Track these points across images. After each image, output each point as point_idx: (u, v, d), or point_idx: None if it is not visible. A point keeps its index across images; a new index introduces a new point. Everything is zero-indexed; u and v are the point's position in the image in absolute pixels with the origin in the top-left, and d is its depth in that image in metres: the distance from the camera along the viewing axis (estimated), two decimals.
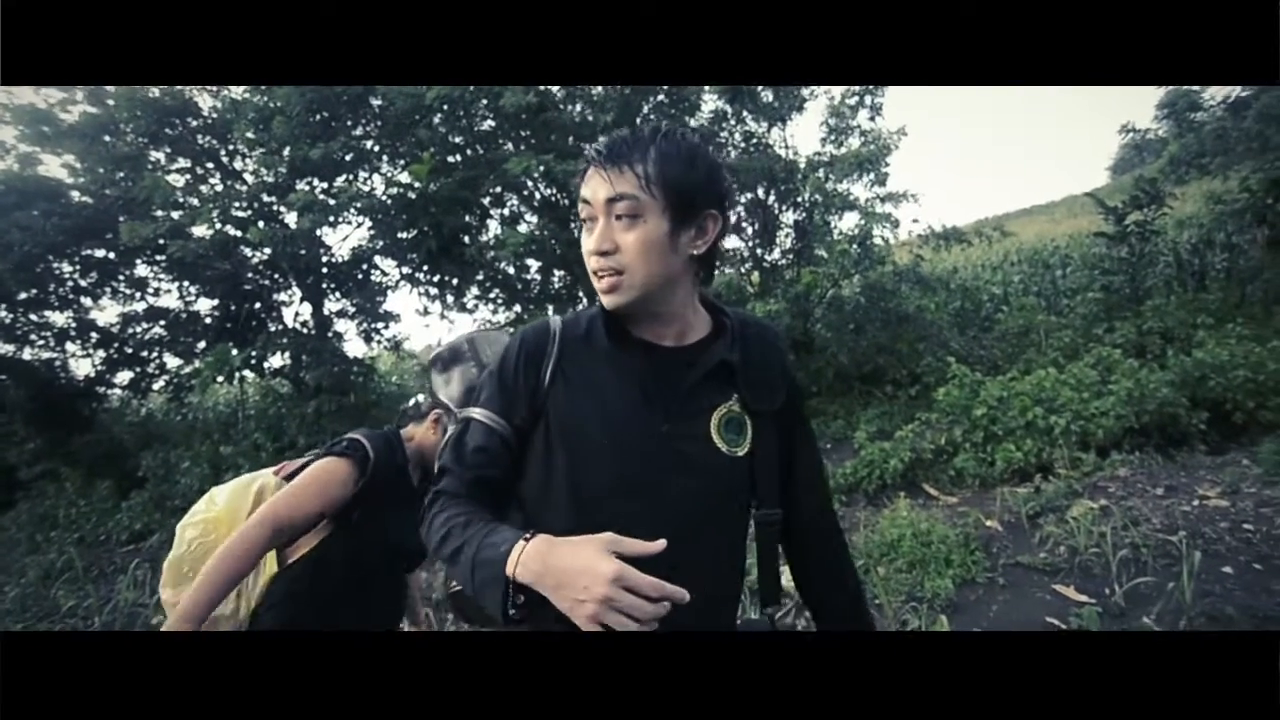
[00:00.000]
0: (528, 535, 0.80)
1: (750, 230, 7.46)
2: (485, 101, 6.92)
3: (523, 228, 7.50)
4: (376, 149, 7.54)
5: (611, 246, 0.89)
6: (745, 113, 6.95)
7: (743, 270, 6.86)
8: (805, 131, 12.24)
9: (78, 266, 7.61)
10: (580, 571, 0.74)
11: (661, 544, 0.78)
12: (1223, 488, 3.87)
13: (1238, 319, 5.82)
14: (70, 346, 8.03)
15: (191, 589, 1.26)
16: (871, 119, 6.61)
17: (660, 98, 7.37)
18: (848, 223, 6.92)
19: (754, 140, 7.22)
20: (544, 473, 0.92)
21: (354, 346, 8.64)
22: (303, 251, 6.94)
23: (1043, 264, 10.87)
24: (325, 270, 7.98)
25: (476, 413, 0.96)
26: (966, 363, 5.90)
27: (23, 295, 7.37)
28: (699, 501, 0.92)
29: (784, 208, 7.26)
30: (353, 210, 6.99)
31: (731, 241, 7.62)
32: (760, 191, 7.06)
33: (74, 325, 7.96)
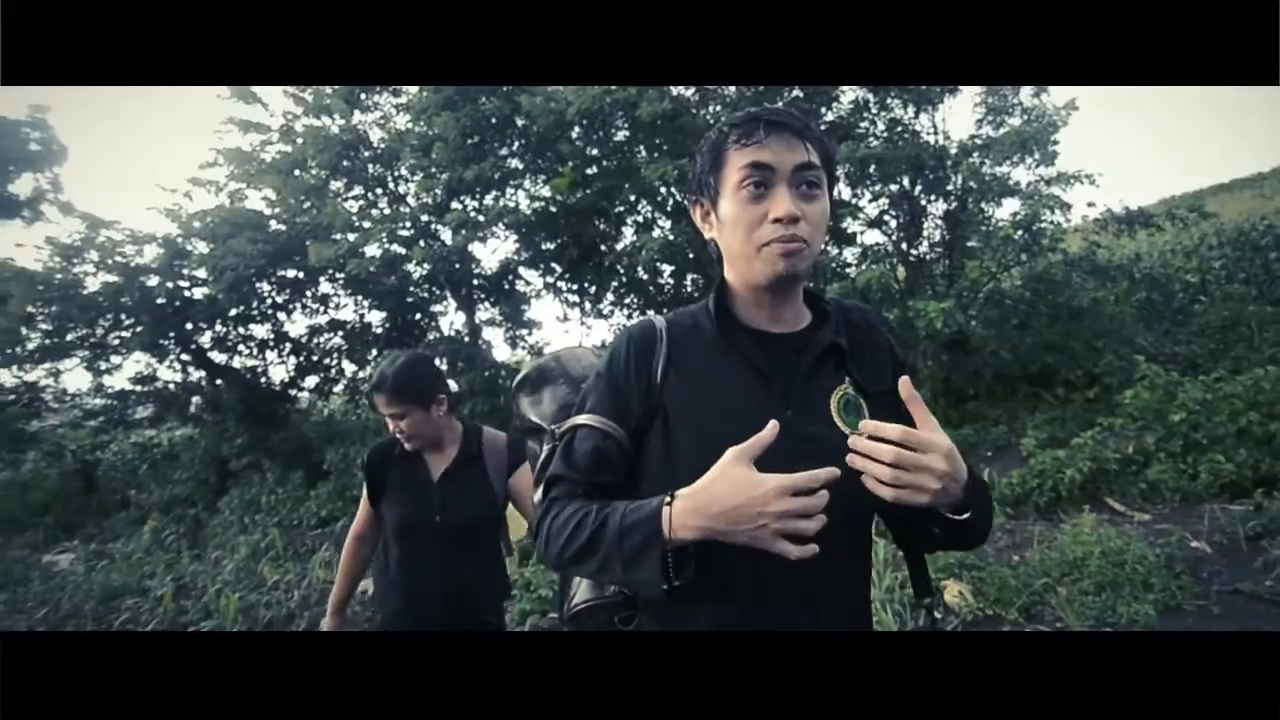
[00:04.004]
0: (667, 499, 0.80)
1: (894, 224, 7.06)
2: (621, 113, 7.11)
3: (656, 233, 7.61)
4: (520, 167, 7.99)
5: (800, 214, 0.87)
6: (890, 99, 6.58)
7: (888, 265, 6.47)
8: (956, 115, 11.41)
9: (274, 285, 8.71)
10: (745, 503, 0.75)
11: (773, 425, 0.78)
12: None
13: None
14: (269, 355, 9.20)
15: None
16: (1036, 95, 6.02)
17: (796, 93, 7.18)
18: (1006, 210, 6.34)
19: (899, 128, 6.82)
20: (667, 468, 0.89)
21: (501, 352, 9.20)
22: (457, 265, 7.51)
23: (1251, 246, 9.30)
24: (476, 282, 8.57)
25: (585, 419, 0.94)
26: (1157, 361, 5.20)
27: (233, 312, 8.55)
28: (832, 489, 0.88)
29: (932, 198, 6.79)
30: (500, 225, 7.45)
31: (873, 236, 7.25)
32: (905, 182, 6.65)
33: (272, 337, 9.13)
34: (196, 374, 9.05)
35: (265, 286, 8.65)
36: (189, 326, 8.53)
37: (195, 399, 9.13)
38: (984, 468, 4.94)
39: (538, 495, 1.05)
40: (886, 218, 7.10)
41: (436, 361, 1.99)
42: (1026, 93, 6.09)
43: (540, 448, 1.15)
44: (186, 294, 8.37)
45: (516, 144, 7.93)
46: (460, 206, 7.42)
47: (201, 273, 8.14)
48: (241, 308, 8.56)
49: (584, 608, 0.98)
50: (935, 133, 6.60)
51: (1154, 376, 4.81)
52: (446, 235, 7.65)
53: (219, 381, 9.04)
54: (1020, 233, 5.65)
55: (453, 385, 1.98)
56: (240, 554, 6.01)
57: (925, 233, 6.99)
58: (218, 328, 8.83)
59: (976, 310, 6.23)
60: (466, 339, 8.57)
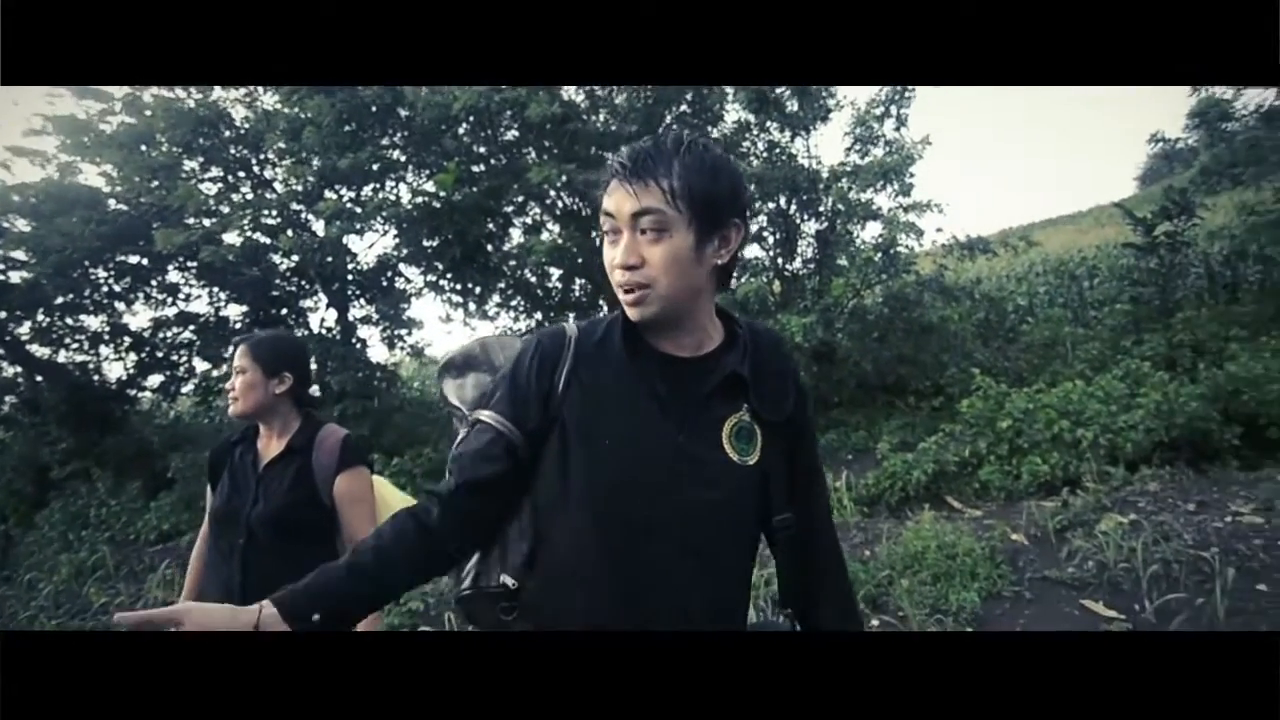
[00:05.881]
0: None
1: (772, 240, 7.45)
2: (510, 112, 7.01)
3: (545, 236, 7.56)
4: (403, 159, 7.66)
5: (638, 260, 0.89)
6: (769, 123, 6.95)
7: (765, 279, 6.84)
8: (828, 141, 12.21)
9: (112, 272, 7.79)
10: None
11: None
12: (1257, 504, 3.79)
13: (1273, 332, 5.70)
14: (104, 350, 8.19)
15: None
16: (897, 129, 6.59)
17: (684, 108, 7.40)
18: (870, 232, 6.90)
19: (777, 150, 7.22)
20: (559, 475, 0.92)
21: (377, 352, 8.75)
22: (329, 259, 7.06)
23: (1069, 275, 10.72)
24: (351, 277, 8.10)
25: (485, 415, 0.97)
26: (991, 374, 5.83)
27: (59, 300, 7.54)
28: (713, 510, 0.93)
29: (806, 217, 7.24)
30: (379, 219, 7.11)
31: (753, 250, 7.61)
32: (782, 201, 7.05)
33: (108, 329, 8.13)
34: (11, 370, 7.92)
35: (101, 273, 7.72)
36: (3, 315, 7.44)
37: (9, 398, 7.99)
38: (844, 471, 5.33)
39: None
40: (765, 234, 7.49)
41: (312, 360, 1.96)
42: (889, 125, 6.65)
43: (462, 429, 1.17)
44: (1, 278, 7.30)
45: (399, 135, 7.59)
46: (335, 196, 6.99)
47: (21, 254, 7.14)
48: (70, 295, 7.57)
49: (467, 594, 1.00)
50: (809, 157, 7.05)
51: (987, 388, 5.40)
52: (318, 226, 7.19)
53: (39, 378, 7.96)
54: (880, 254, 6.17)
55: (315, 391, 1.91)
56: (61, 575, 5.34)
57: (799, 250, 7.44)
58: (40, 317, 7.74)
59: (842, 324, 6.71)
60: (338, 337, 8.09)
